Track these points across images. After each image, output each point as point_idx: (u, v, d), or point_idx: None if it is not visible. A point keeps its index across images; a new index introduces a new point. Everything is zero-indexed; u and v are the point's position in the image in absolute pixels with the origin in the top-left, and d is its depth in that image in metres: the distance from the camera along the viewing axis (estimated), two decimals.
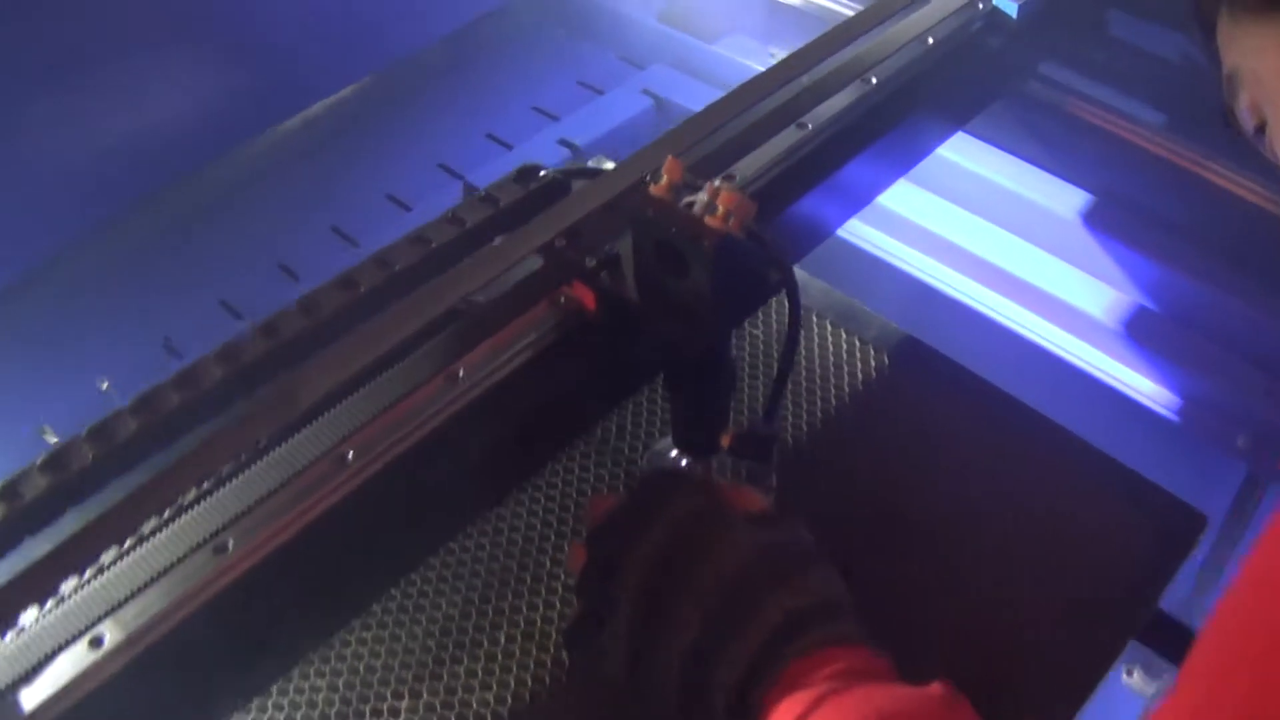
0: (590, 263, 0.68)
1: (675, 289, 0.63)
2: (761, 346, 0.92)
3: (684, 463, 0.75)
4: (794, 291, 0.65)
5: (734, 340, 0.91)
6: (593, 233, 0.69)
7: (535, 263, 0.70)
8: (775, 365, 0.75)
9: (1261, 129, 0.56)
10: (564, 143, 1.33)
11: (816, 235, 0.92)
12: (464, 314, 0.70)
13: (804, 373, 0.90)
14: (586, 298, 0.69)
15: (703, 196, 0.61)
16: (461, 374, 0.66)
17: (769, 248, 0.63)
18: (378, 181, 1.32)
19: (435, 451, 0.65)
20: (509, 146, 1.36)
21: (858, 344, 0.95)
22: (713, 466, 0.76)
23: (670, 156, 0.62)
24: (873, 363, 0.94)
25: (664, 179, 0.62)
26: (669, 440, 0.76)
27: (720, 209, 0.60)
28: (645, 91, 1.41)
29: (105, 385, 1.03)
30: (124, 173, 1.18)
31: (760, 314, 0.94)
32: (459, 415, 0.66)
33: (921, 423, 0.88)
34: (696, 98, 1.34)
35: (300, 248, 1.24)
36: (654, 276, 0.64)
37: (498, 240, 0.69)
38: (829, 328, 0.94)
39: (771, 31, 1.36)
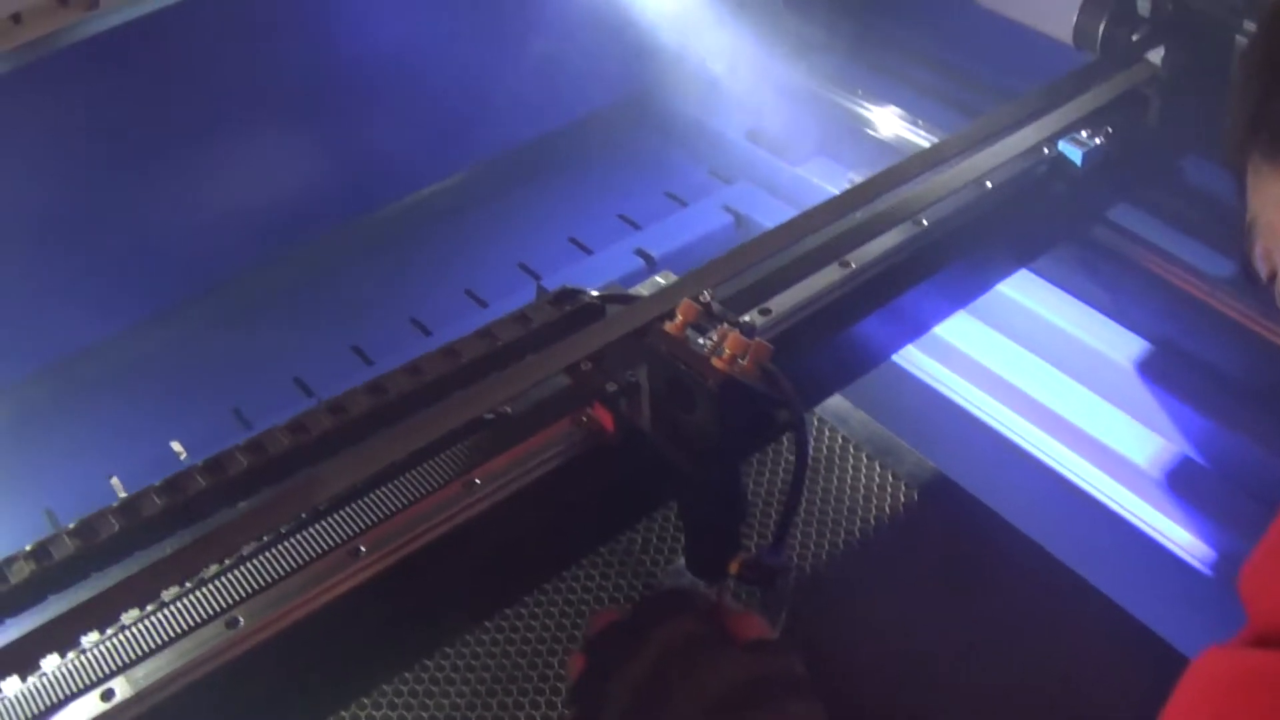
0: (611, 387, 0.70)
1: (684, 422, 0.65)
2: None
3: (700, 584, 0.78)
4: (801, 433, 0.65)
5: (755, 466, 0.94)
6: (617, 359, 0.71)
7: (562, 381, 0.72)
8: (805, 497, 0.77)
9: (1274, 278, 0.56)
10: (640, 253, 1.38)
11: (860, 366, 0.93)
12: (490, 424, 0.73)
13: (833, 502, 0.91)
14: (606, 420, 0.71)
15: (713, 338, 0.63)
16: (478, 481, 0.69)
17: (780, 389, 0.64)
18: (459, 276, 1.38)
19: (445, 553, 0.68)
20: (589, 251, 1.40)
21: (890, 479, 0.95)
22: (728, 589, 0.77)
23: (686, 299, 0.67)
24: (903, 499, 0.93)
25: (679, 317, 0.65)
26: (682, 561, 0.79)
27: (727, 352, 0.62)
28: (727, 208, 1.45)
29: (183, 454, 1.09)
30: (214, 250, 1.25)
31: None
32: (472, 520, 0.69)
33: (946, 567, 0.88)
34: (776, 216, 1.37)
35: (376, 334, 1.30)
36: (666, 408, 0.66)
37: (528, 358, 0.73)
38: (864, 460, 0.95)
39: (854, 158, 1.39)
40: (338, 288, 1.34)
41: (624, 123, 1.60)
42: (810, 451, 0.68)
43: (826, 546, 0.88)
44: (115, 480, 1.05)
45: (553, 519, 0.71)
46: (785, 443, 0.96)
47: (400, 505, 0.67)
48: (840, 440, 0.96)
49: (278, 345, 1.26)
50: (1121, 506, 1.05)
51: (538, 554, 0.73)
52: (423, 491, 0.68)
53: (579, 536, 0.77)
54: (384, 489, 0.68)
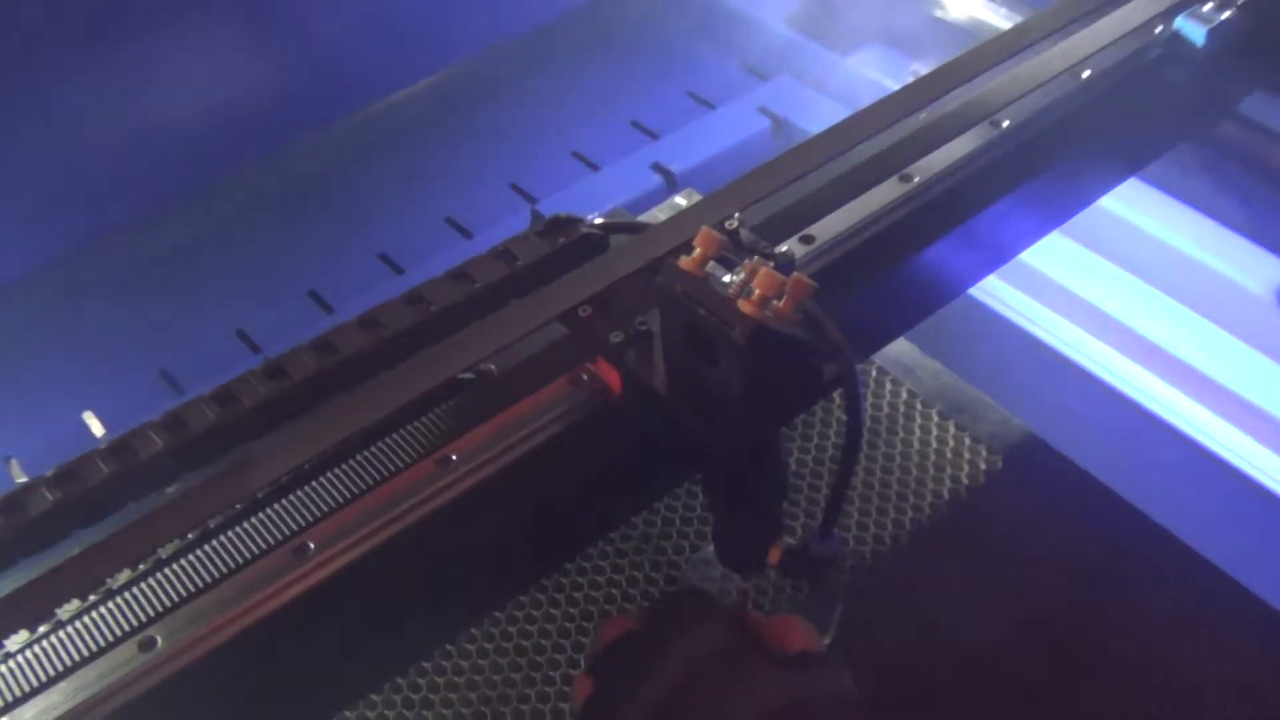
0: (617, 338, 0.68)
1: (708, 380, 0.63)
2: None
3: (733, 579, 0.79)
4: (854, 390, 0.63)
5: (799, 430, 0.93)
6: (623, 302, 0.69)
7: (556, 332, 0.71)
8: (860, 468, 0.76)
9: None
10: (658, 168, 1.35)
11: (927, 304, 0.90)
12: (466, 388, 0.71)
13: (896, 473, 0.92)
14: (612, 378, 0.69)
15: (740, 275, 0.61)
16: (454, 458, 0.67)
17: (826, 336, 0.62)
18: (438, 200, 1.35)
19: (415, 548, 0.66)
20: (595, 167, 1.38)
21: (968, 442, 0.95)
22: (767, 584, 0.78)
23: (705, 227, 0.62)
24: (983, 466, 0.93)
25: (697, 250, 0.62)
26: (709, 550, 0.79)
27: (757, 292, 0.60)
28: (762, 110, 1.42)
29: (99, 431, 1.08)
30: (146, 175, 1.22)
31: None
32: (447, 507, 0.67)
33: (1039, 549, 0.88)
34: (822, 119, 1.34)
35: (338, 275, 1.27)
36: (685, 363, 0.65)
37: (513, 305, 0.70)
38: (934, 420, 0.96)
39: (918, 45, 1.36)
40: (289, 219, 1.31)
41: (636, 7, 1.56)
42: (866, 411, 0.66)
43: (890, 529, 0.89)
44: (15, 463, 1.03)
45: (547, 502, 0.70)
46: (836, 400, 0.96)
47: (357, 491, 0.66)
48: (905, 396, 0.97)
49: (216, 292, 1.24)
50: (1271, 478, 1.03)
51: (529, 547, 0.72)
52: (385, 473, 0.67)
53: (581, 523, 0.76)
54: (336, 471, 0.66)
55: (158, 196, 1.22)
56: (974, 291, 1.14)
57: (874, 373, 0.98)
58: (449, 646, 0.82)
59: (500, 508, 0.68)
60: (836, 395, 0.92)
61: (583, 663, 0.82)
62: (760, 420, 0.65)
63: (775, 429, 0.70)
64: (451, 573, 0.69)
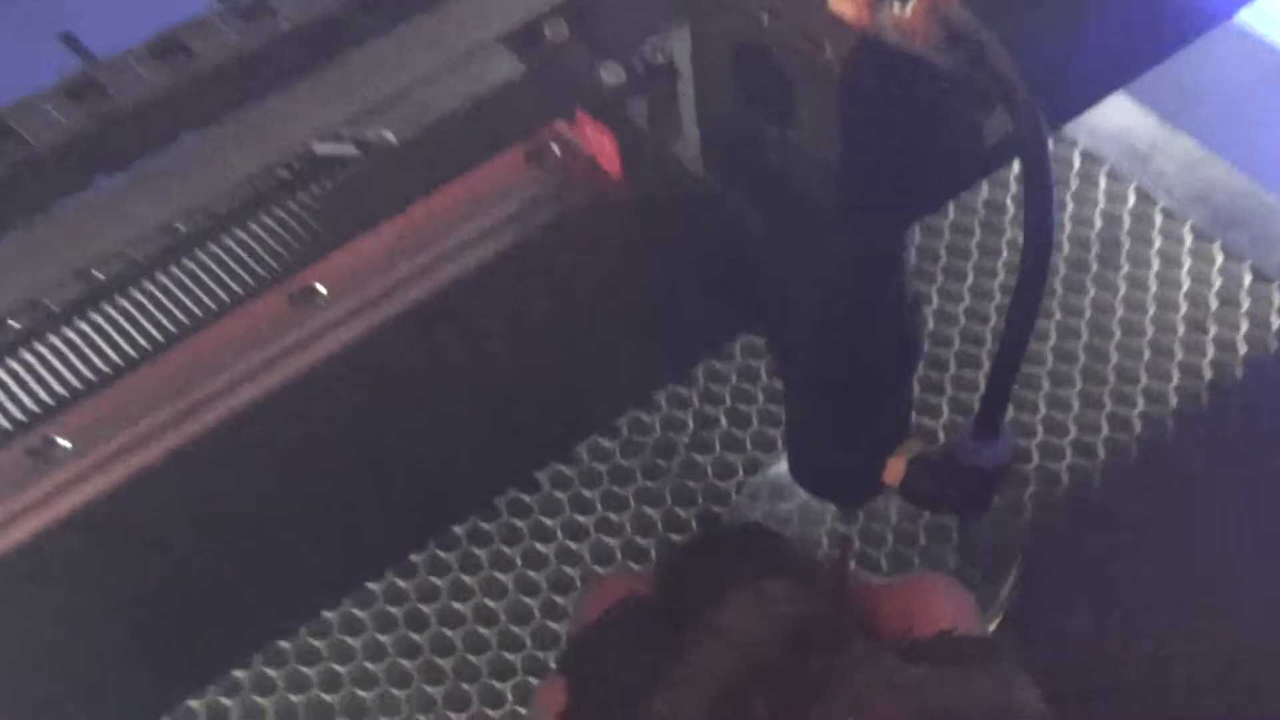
0: (613, 78, 0.69)
1: (774, 148, 0.63)
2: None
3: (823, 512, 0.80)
4: (1039, 166, 0.61)
5: (943, 265, 0.94)
6: (624, 12, 0.71)
7: (506, 69, 0.72)
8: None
9: None
10: None
11: (1166, 38, 0.88)
12: (340, 170, 0.71)
13: (1117, 331, 0.94)
14: (604, 150, 0.69)
15: None
16: (321, 290, 0.67)
17: (989, 64, 0.60)
18: None
19: (255, 447, 0.66)
20: None
21: (1247, 279, 0.95)
22: (885, 522, 0.79)
23: None
24: (1275, 322, 0.94)
25: None
26: (780, 467, 0.79)
27: None
28: None
29: None
30: None
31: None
32: (314, 375, 0.66)
33: None
34: None
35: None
36: (736, 117, 0.64)
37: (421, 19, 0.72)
38: (1187, 240, 0.97)
39: None
40: None
41: None
42: (1057, 215, 0.64)
43: (1105, 431, 0.91)
44: None
45: (486, 374, 0.71)
46: (1005, 197, 0.96)
47: (139, 356, 0.66)
48: (1133, 200, 0.99)
49: None
50: None
51: (451, 457, 0.73)
52: (198, 315, 0.67)
53: (544, 417, 0.77)
54: (105, 308, 0.67)
55: None
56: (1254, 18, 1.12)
57: (1076, 159, 0.99)
58: (327, 614, 0.86)
59: (400, 382, 0.69)
60: (1005, 184, 0.94)
61: (553, 662, 0.84)
62: (871, 218, 0.65)
63: (898, 236, 0.69)
64: (327, 490, 0.70)
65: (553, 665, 0.83)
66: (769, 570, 0.64)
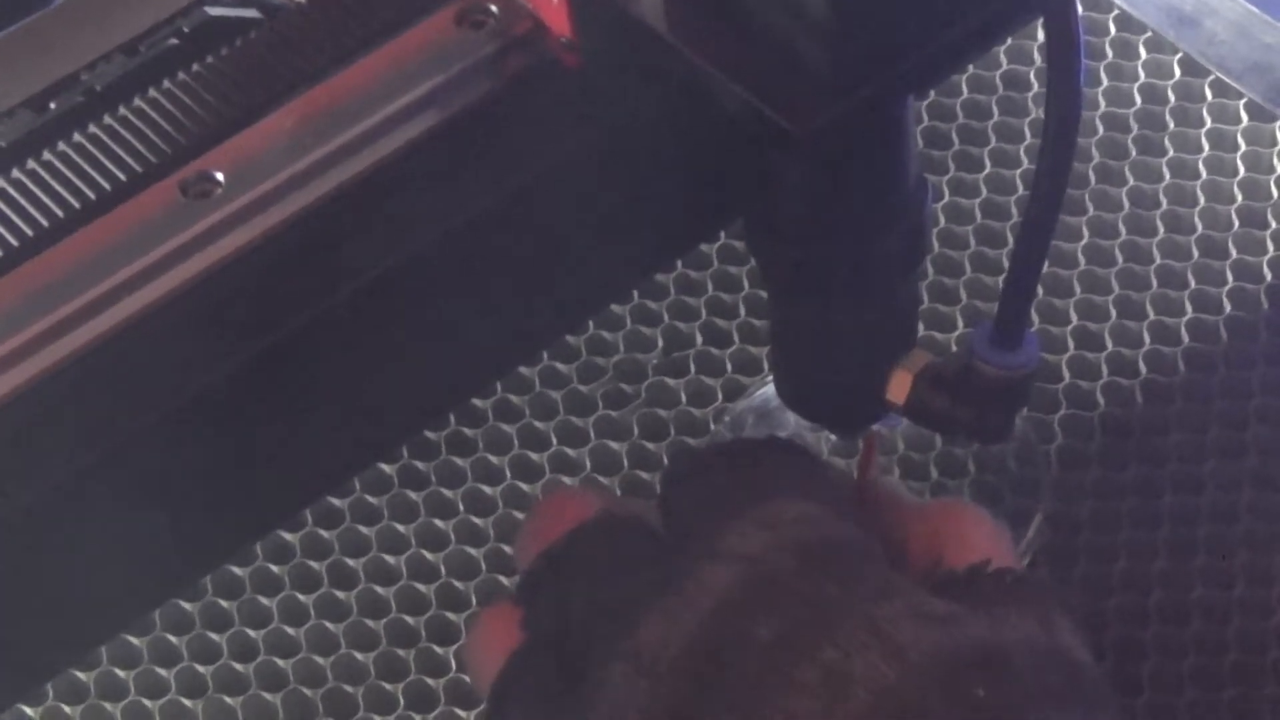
0: None
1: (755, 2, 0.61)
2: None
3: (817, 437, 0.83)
4: (1065, 25, 0.59)
5: (955, 151, 0.95)
6: None
7: None
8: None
9: None
10: None
11: None
12: (237, 34, 0.68)
13: (1161, 228, 0.92)
14: (547, 4, 0.65)
15: None
16: (221, 179, 0.64)
17: None
18: None
19: (153, 353, 0.62)
20: None
21: None
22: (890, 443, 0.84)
23: None
24: None
25: None
26: (767, 390, 0.83)
27: None
28: None
29: None
30: None
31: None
32: (213, 277, 0.63)
33: None
34: None
35: None
36: None
37: None
38: (1244, 119, 0.95)
39: None
40: None
41: None
42: (1083, 69, 0.63)
43: (1147, 343, 0.89)
44: None
45: (414, 280, 0.66)
46: (1026, 66, 0.97)
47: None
48: (1179, 71, 0.97)
49: None
50: None
51: (377, 369, 0.70)
52: (62, 212, 0.63)
53: (483, 332, 0.73)
54: None
55: None
56: None
57: (1111, 25, 0.97)
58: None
59: (310, 293, 0.65)
60: (1029, 56, 0.96)
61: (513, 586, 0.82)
62: (867, 80, 0.61)
63: (900, 105, 0.66)
64: (237, 401, 0.65)
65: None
66: (788, 490, 0.62)
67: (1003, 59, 0.98)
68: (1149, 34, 0.96)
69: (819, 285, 0.70)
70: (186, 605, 0.86)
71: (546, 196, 0.68)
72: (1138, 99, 0.96)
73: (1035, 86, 0.96)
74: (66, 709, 0.84)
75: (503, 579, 0.86)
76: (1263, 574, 0.83)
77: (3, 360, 0.61)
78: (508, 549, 0.86)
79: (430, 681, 0.84)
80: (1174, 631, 0.82)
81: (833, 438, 0.87)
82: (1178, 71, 0.97)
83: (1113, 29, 0.96)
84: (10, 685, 0.67)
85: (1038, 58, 0.96)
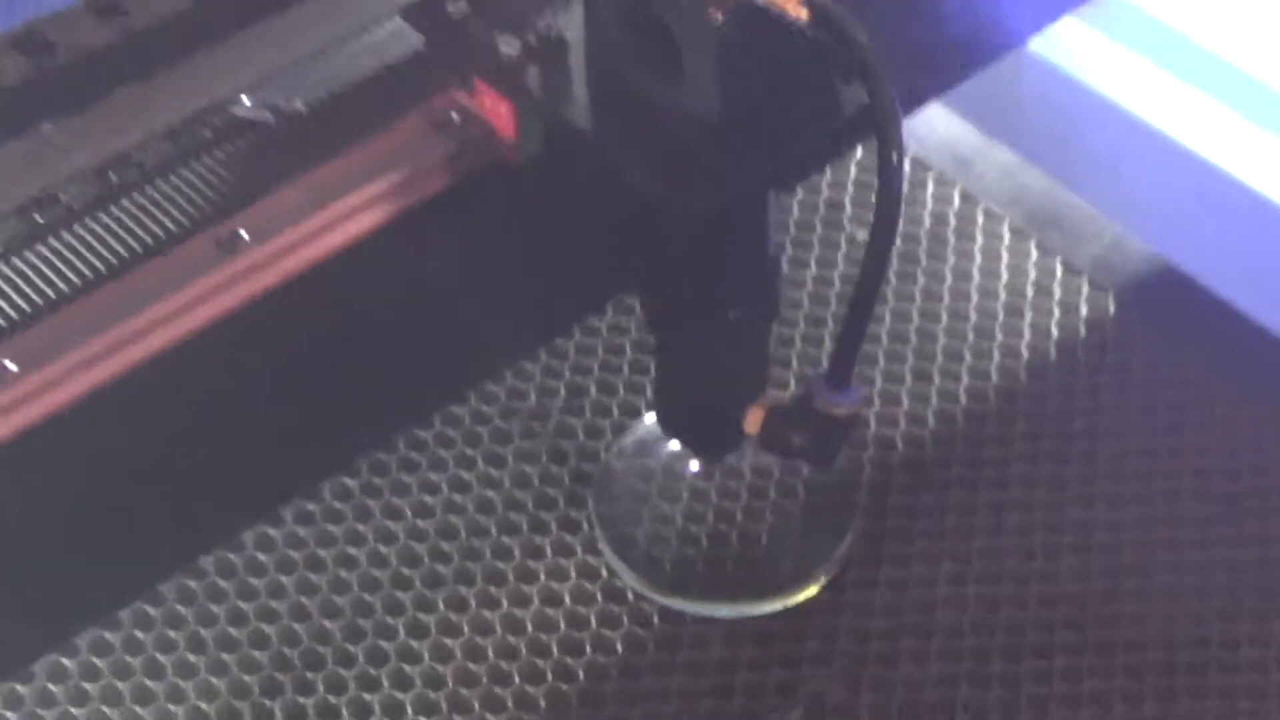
0: (509, 48, 0.70)
1: (661, 105, 0.65)
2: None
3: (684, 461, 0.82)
4: (890, 133, 0.64)
5: (793, 237, 0.96)
6: None
7: (407, 42, 0.75)
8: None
9: None
10: None
11: (982, 45, 0.89)
12: (261, 131, 0.73)
13: (944, 317, 0.97)
14: (500, 115, 0.71)
15: None
16: (245, 236, 0.69)
17: (845, 35, 0.63)
18: None
19: (182, 382, 0.68)
20: None
21: (1059, 271, 0.98)
22: (743, 467, 0.82)
23: None
24: (1084, 310, 0.97)
25: None
26: (645, 427, 0.83)
27: None
28: None
29: None
30: None
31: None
32: (238, 316, 0.69)
33: (1170, 436, 0.91)
34: None
35: None
36: (624, 79, 0.67)
37: None
38: (1005, 238, 1.01)
39: None
40: None
41: None
42: (904, 181, 0.68)
43: (934, 401, 0.93)
44: None
45: (379, 323, 0.72)
46: (841, 192, 0.98)
47: (73, 288, 0.68)
48: (958, 203, 1.01)
49: None
50: None
51: (343, 406, 0.74)
52: (121, 257, 0.69)
53: (430, 372, 0.77)
54: (42, 250, 0.69)
55: None
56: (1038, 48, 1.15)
57: (909, 168, 1.01)
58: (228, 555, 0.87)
59: (318, 324, 0.71)
60: (843, 185, 0.96)
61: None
62: (743, 166, 0.67)
63: (765, 186, 0.72)
64: (234, 429, 0.71)
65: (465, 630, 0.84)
66: None
67: (825, 188, 1.02)
68: (935, 172, 1.01)
69: (695, 334, 0.75)
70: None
71: (483, 266, 0.73)
72: (927, 221, 1.01)
73: (849, 209, 0.99)
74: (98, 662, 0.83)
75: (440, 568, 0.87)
76: (1023, 575, 0.87)
77: (81, 364, 0.66)
78: (445, 546, 0.87)
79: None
80: (956, 615, 0.85)
81: (696, 467, 0.89)
82: (957, 201, 1.03)
83: (908, 169, 0.88)
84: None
85: (851, 189, 1.00)
